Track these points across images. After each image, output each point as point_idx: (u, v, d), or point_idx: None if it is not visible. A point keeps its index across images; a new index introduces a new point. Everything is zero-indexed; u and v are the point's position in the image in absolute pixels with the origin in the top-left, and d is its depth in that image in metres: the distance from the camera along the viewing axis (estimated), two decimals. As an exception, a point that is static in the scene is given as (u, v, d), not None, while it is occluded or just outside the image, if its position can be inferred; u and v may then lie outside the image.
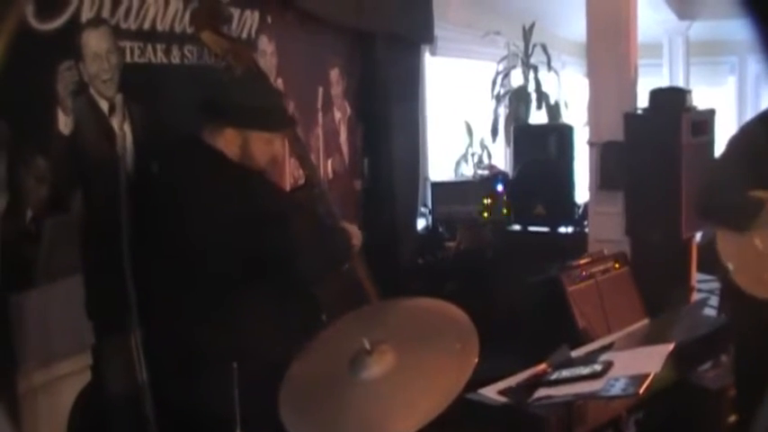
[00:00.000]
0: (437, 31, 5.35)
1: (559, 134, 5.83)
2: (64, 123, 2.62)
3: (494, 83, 6.97)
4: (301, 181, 3.51)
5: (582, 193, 5.67)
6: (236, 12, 3.46)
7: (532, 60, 6.92)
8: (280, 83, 3.78)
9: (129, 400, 2.83)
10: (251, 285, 2.62)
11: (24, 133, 2.47)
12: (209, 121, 2.75)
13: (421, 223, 5.61)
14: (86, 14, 2.70)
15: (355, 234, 2.98)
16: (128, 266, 2.80)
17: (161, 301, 2.70)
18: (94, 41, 2.74)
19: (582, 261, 4.17)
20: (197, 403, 2.52)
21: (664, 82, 8.72)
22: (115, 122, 2.82)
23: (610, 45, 5.09)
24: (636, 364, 2.64)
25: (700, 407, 3.52)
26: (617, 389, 2.49)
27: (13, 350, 2.45)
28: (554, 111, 6.91)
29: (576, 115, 7.07)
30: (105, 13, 2.78)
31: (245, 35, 3.54)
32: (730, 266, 3.60)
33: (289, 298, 2.77)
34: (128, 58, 2.89)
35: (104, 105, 2.80)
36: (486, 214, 5.63)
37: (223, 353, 2.29)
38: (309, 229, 2.88)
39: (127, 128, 2.86)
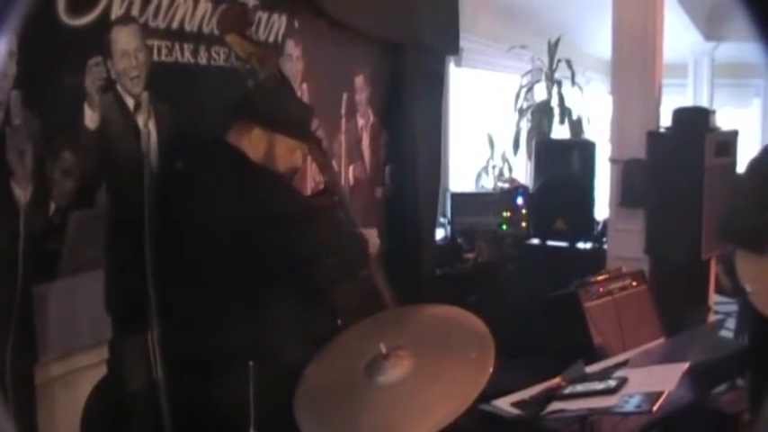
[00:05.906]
0: (463, 43, 5.35)
1: (582, 150, 5.82)
2: (90, 118, 2.64)
3: (517, 96, 6.99)
4: (321, 187, 3.52)
5: (602, 210, 5.66)
6: (263, 15, 3.47)
7: (557, 75, 6.92)
8: (305, 88, 3.80)
9: (144, 396, 2.86)
10: (269, 286, 2.62)
11: (52, 126, 2.49)
12: (237, 120, 2.77)
13: (439, 234, 5.60)
14: (116, 12, 2.72)
15: (373, 240, 2.98)
16: (149, 263, 2.83)
17: (180, 299, 2.71)
18: (123, 39, 2.76)
19: (600, 277, 4.15)
20: (212, 401, 2.53)
21: (688, 102, 8.70)
22: (140, 120, 2.85)
23: (635, 63, 5.08)
24: (650, 381, 2.63)
25: (714, 431, 3.50)
26: (631, 405, 2.49)
27: (33, 341, 2.45)
28: (576, 126, 6.91)
29: (599, 131, 7.06)
30: (135, 11, 2.80)
31: (271, 39, 3.55)
32: (749, 289, 3.58)
33: (306, 300, 2.77)
34: (155, 57, 2.91)
35: (130, 102, 2.81)
36: (505, 227, 5.63)
37: (239, 352, 2.29)
38: (328, 233, 2.89)
39: (152, 125, 2.89)
